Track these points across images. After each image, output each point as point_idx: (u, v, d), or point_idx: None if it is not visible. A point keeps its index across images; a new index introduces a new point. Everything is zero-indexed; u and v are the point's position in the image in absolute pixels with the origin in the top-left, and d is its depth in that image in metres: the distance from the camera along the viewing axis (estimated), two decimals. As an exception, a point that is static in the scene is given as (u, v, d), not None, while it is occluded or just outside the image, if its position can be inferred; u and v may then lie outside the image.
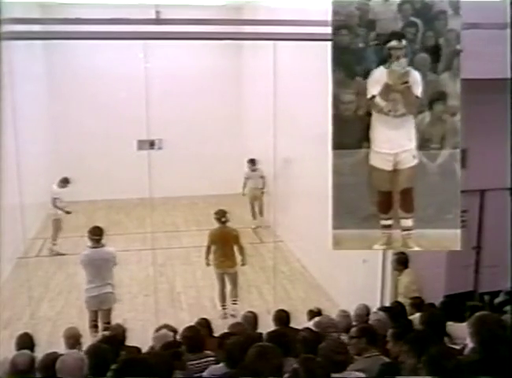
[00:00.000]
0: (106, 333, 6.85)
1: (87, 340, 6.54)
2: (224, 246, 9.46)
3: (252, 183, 14.93)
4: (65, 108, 16.50)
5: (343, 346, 4.70)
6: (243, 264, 9.67)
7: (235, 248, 9.52)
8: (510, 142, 7.19)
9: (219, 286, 9.63)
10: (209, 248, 9.53)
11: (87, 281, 8.44)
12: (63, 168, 14.32)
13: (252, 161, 14.98)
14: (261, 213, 14.90)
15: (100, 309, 8.51)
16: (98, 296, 8.38)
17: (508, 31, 5.98)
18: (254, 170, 14.92)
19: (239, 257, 9.61)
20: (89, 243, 8.49)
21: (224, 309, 9.46)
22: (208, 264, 9.60)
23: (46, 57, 16.31)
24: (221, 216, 9.51)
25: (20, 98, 10.97)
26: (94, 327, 8.45)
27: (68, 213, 12.91)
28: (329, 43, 8.33)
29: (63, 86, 16.59)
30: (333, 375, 3.87)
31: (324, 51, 9.36)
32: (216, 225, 9.59)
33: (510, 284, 6.84)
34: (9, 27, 6.74)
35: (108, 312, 8.54)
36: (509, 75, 5.83)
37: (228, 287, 9.66)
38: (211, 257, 9.55)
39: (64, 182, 12.97)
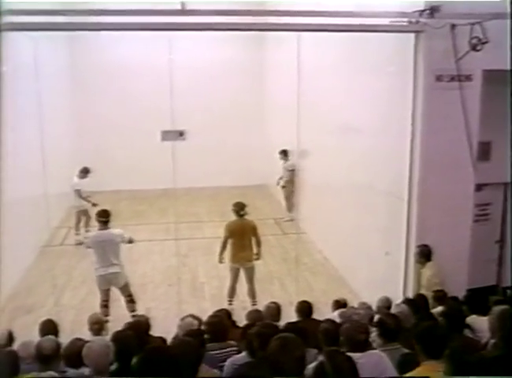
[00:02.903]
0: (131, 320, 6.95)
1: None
2: (242, 238, 9.25)
3: (285, 175, 14.86)
4: (89, 99, 16.68)
5: (364, 326, 4.79)
6: (257, 259, 9.42)
7: (253, 241, 9.32)
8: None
9: (231, 281, 9.44)
10: (225, 242, 9.23)
11: (95, 261, 8.74)
12: (86, 158, 14.48)
13: (283, 152, 14.81)
14: (291, 206, 14.82)
15: (113, 286, 8.81)
16: (105, 275, 8.68)
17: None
18: (285, 161, 14.78)
19: (255, 250, 9.38)
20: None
21: (230, 304, 9.20)
22: (221, 262, 9.35)
23: (70, 50, 16.45)
24: (240, 208, 9.28)
25: (45, 90, 11.09)
26: (105, 307, 8.71)
27: (94, 205, 13.04)
28: (353, 34, 8.37)
29: (87, 77, 16.76)
30: (355, 354, 3.90)
31: (346, 42, 9.41)
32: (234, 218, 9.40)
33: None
34: (31, 19, 6.89)
35: (125, 287, 8.87)
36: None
37: (245, 285, 9.45)
38: (227, 251, 9.30)
39: (84, 172, 13.09)
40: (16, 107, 10.75)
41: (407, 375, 4.21)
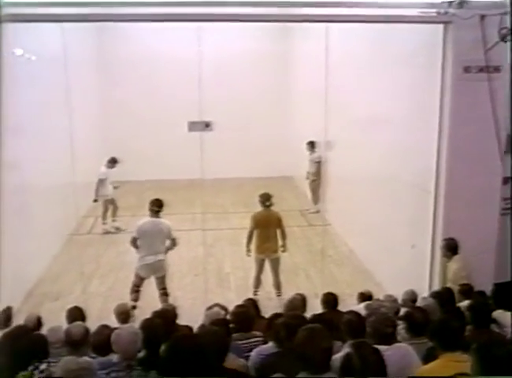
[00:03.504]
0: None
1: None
2: (268, 229, 9.28)
3: (310, 167, 14.84)
4: (117, 90, 16.79)
5: (391, 319, 4.79)
6: (283, 251, 9.45)
7: (278, 232, 9.34)
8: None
9: (256, 272, 9.48)
10: (251, 233, 9.28)
11: (142, 249, 8.76)
12: (113, 148, 14.61)
13: (311, 144, 14.76)
14: (316, 198, 14.79)
15: (154, 276, 8.87)
16: (152, 264, 8.74)
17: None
18: (311, 153, 14.75)
19: (281, 242, 9.40)
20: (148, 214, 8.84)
21: (255, 295, 9.17)
22: (248, 255, 9.39)
23: (99, 41, 16.58)
24: (266, 199, 9.32)
25: (74, 81, 11.21)
26: (136, 292, 8.82)
27: (95, 201, 13.18)
28: (380, 26, 8.33)
29: (115, 68, 16.91)
30: (381, 346, 3.92)
31: (374, 34, 9.35)
32: (260, 209, 9.45)
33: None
34: (57, 10, 6.97)
35: (162, 279, 8.92)
36: None
37: (270, 276, 9.49)
38: (253, 243, 9.34)
39: (112, 162, 13.23)
40: (45, 97, 10.93)
41: (426, 367, 4.23)
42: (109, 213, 13.49)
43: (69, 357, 3.92)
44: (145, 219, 8.85)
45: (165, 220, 8.88)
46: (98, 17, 7.64)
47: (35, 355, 4.54)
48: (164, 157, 16.67)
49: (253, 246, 9.38)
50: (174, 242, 8.82)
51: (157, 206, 8.80)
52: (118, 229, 12.99)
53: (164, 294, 8.88)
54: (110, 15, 7.48)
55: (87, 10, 7.24)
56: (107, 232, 13.19)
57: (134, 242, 8.79)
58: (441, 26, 7.41)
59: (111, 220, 13.43)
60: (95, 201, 13.26)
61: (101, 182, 13.08)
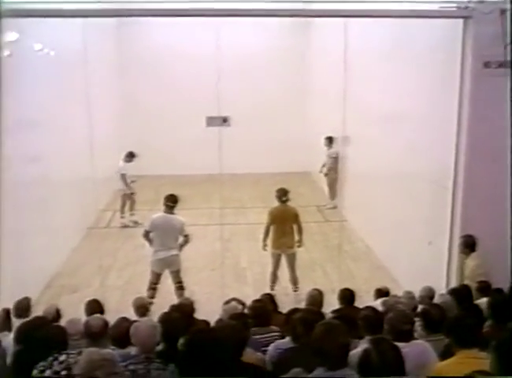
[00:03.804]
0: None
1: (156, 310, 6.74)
2: (284, 224, 9.29)
3: (327, 163, 14.81)
4: (136, 85, 16.88)
5: (409, 316, 4.77)
6: (299, 246, 9.45)
7: (295, 228, 9.36)
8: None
9: (273, 267, 9.49)
10: (268, 228, 9.33)
11: (155, 244, 8.79)
12: (132, 143, 14.72)
13: (329, 139, 14.70)
14: (333, 194, 14.75)
15: (169, 270, 8.90)
16: (165, 259, 8.77)
17: None
18: (329, 148, 14.70)
19: (297, 238, 9.41)
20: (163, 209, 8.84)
21: (272, 290, 9.15)
22: (264, 249, 9.40)
23: (118, 36, 16.68)
24: (282, 194, 9.33)
25: (93, 76, 11.29)
26: (153, 289, 8.83)
27: (132, 194, 13.30)
28: (400, 21, 8.29)
29: (133, 63, 16.99)
30: (399, 343, 3.92)
31: (393, 29, 9.31)
32: (277, 204, 9.46)
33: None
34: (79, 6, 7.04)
35: (177, 273, 8.95)
36: None
37: (287, 271, 9.51)
38: (269, 238, 9.36)
39: (130, 156, 13.32)
40: (65, 92, 11.02)
41: (442, 363, 4.22)
42: (127, 207, 13.59)
43: (92, 349, 3.95)
44: (159, 213, 8.86)
45: (179, 216, 8.87)
46: (106, 13, 7.73)
47: (54, 346, 4.58)
48: (182, 151, 16.73)
49: (269, 241, 9.40)
50: (187, 239, 8.81)
51: (171, 202, 8.79)
52: (136, 223, 13.07)
53: (179, 288, 8.91)
54: (119, 10, 7.55)
55: (104, 5, 7.30)
56: (125, 226, 13.28)
57: (146, 236, 8.83)
58: (461, 21, 7.36)
59: (129, 214, 13.52)
60: (133, 194, 13.40)
61: (123, 176, 13.18)
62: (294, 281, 9.47)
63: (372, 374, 3.42)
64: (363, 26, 10.17)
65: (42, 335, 4.75)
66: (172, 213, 8.78)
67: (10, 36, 8.44)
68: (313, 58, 17.37)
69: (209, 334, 3.73)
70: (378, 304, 6.25)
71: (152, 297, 8.60)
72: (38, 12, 7.17)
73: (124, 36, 16.78)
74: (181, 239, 8.82)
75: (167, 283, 9.07)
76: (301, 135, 17.05)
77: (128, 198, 13.51)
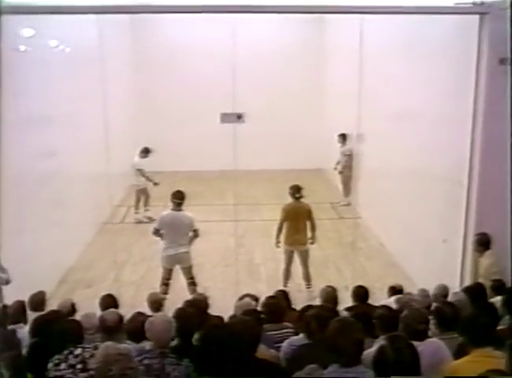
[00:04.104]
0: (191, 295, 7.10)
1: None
2: (297, 221, 9.27)
3: (341, 160, 14.78)
4: (151, 81, 16.93)
5: (424, 315, 4.75)
6: (312, 243, 9.44)
7: (308, 224, 9.34)
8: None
9: (286, 264, 9.49)
10: (281, 224, 9.32)
11: (165, 241, 8.82)
12: (147, 139, 14.77)
13: (342, 136, 14.66)
14: (347, 191, 14.72)
15: (180, 266, 8.93)
16: (174, 255, 8.79)
17: None
18: (342, 146, 14.67)
19: (310, 235, 9.38)
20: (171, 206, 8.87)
21: (285, 287, 9.13)
22: (278, 246, 9.41)
23: (133, 32, 16.75)
24: (296, 191, 9.30)
25: (109, 72, 11.35)
26: (166, 285, 8.86)
27: (155, 184, 13.35)
28: (415, 17, 8.25)
29: (149, 60, 17.01)
30: (414, 342, 3.92)
31: (409, 25, 9.27)
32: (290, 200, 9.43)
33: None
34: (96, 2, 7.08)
35: (188, 269, 8.98)
36: None
37: (300, 268, 9.51)
38: (282, 234, 9.35)
39: (145, 152, 13.38)
40: (80, 88, 11.08)
41: (456, 362, 4.21)
42: (142, 202, 13.65)
43: (109, 343, 3.98)
44: (168, 211, 8.88)
45: (187, 212, 8.86)
46: (121, 9, 7.75)
47: (70, 340, 4.63)
48: (197, 147, 16.74)
49: (282, 238, 9.41)
50: (196, 234, 8.78)
51: (178, 198, 8.79)
52: (150, 219, 13.11)
53: (192, 283, 8.93)
54: (134, 7, 7.57)
55: (119, 2, 7.34)
56: (139, 222, 13.34)
57: (156, 233, 8.86)
58: (477, 17, 7.31)
59: (143, 210, 13.58)
60: (156, 184, 13.43)
61: (140, 172, 13.24)
62: (308, 278, 9.47)
63: (387, 371, 3.41)
64: (378, 22, 10.13)
65: (58, 328, 4.80)
66: (180, 210, 8.78)
67: (26, 32, 8.52)
68: (328, 55, 17.34)
69: (224, 329, 3.75)
70: (392, 301, 6.25)
71: (165, 293, 8.62)
72: (50, 9, 7.22)
73: (140, 32, 16.83)
74: (191, 233, 8.83)
75: (180, 278, 9.10)
76: (315, 132, 17.03)
77: (143, 194, 13.57)
